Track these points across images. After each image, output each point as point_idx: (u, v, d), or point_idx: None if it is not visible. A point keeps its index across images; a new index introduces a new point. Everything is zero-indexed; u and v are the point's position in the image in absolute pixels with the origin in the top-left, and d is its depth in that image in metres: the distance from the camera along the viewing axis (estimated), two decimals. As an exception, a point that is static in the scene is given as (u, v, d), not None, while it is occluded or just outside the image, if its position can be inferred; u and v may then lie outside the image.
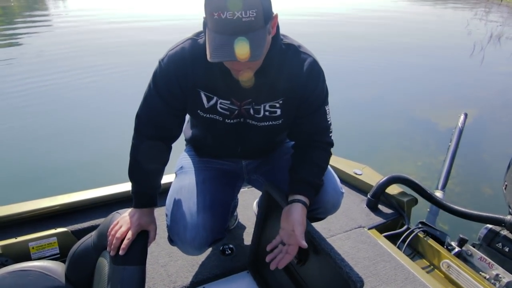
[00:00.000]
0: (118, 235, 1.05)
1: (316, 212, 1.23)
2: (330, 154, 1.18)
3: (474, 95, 5.31)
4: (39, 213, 1.59)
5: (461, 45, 8.61)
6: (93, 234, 1.31)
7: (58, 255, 1.53)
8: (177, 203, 1.20)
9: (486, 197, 2.90)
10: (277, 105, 1.09)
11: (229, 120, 1.11)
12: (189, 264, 1.42)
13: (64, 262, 1.38)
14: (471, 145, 3.57)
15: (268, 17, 0.86)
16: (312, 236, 1.01)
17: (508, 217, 1.63)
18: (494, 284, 1.55)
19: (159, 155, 1.16)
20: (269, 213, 1.24)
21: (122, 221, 1.09)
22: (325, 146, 1.16)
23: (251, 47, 0.82)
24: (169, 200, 1.23)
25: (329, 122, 1.15)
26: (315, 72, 1.07)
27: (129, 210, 1.13)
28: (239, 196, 1.72)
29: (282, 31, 1.04)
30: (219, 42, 0.83)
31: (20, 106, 4.31)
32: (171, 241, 1.22)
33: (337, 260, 0.92)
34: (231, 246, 1.53)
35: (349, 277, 0.87)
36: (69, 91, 4.90)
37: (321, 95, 1.10)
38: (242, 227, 1.67)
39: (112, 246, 1.05)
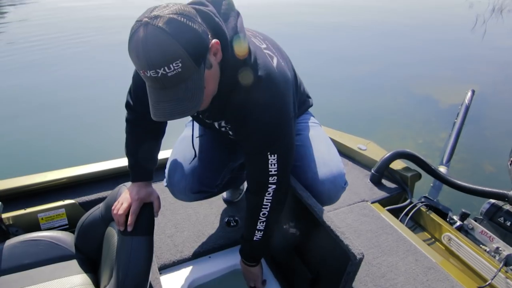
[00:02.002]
0: (120, 212, 1.07)
1: None
2: (275, 196, 1.09)
3: (476, 70, 5.23)
4: (47, 185, 1.61)
5: (462, 18, 8.41)
6: (101, 206, 1.33)
7: (67, 226, 1.56)
8: (177, 149, 1.31)
9: (487, 174, 2.92)
10: (228, 126, 1.08)
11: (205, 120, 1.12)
12: (195, 235, 1.44)
13: (73, 232, 1.41)
14: (473, 122, 3.55)
15: (199, 56, 0.78)
16: (313, 210, 1.02)
17: (511, 192, 1.64)
18: (494, 257, 1.57)
19: (151, 130, 1.16)
20: None
21: (123, 199, 1.11)
22: (264, 192, 1.08)
23: (185, 100, 0.79)
24: (174, 147, 1.34)
25: (269, 173, 1.04)
26: (266, 114, 0.96)
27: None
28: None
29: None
30: (155, 99, 0.81)
31: (24, 79, 4.31)
32: (166, 182, 1.30)
33: (337, 233, 0.94)
34: (236, 218, 1.55)
35: (349, 249, 0.89)
36: (75, 63, 4.87)
37: (265, 139, 1.00)
38: (247, 200, 1.69)
39: (119, 223, 1.07)
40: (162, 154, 1.72)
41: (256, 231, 1.14)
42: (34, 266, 1.29)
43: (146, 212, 1.09)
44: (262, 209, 1.10)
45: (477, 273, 1.56)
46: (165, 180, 1.30)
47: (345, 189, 1.23)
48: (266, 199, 1.08)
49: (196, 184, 1.25)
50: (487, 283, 1.45)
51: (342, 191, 1.22)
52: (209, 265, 1.34)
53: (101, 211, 1.31)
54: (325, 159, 1.21)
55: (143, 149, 1.14)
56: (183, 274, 1.29)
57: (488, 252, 1.61)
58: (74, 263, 1.33)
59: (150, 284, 1.19)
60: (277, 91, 0.97)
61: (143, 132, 1.13)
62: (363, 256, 0.86)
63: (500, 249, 1.59)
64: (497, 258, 1.56)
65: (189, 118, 1.41)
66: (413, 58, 5.63)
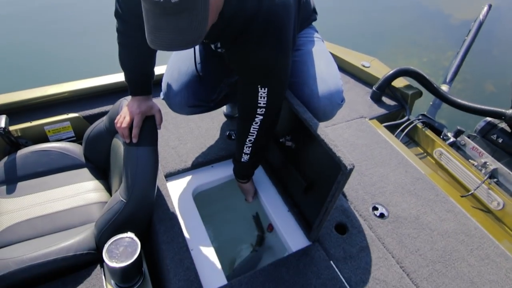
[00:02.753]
0: (124, 125, 1.10)
1: None
2: (261, 126, 1.12)
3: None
4: (49, 99, 1.62)
5: None
6: (104, 119, 1.37)
7: (74, 138, 1.62)
8: (172, 62, 1.32)
9: (487, 94, 2.91)
10: (223, 50, 1.04)
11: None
12: (198, 147, 1.51)
13: (80, 144, 1.47)
14: (481, 39, 3.39)
15: None
16: (308, 124, 1.05)
17: (510, 111, 1.66)
18: (480, 170, 1.67)
19: (144, 43, 1.10)
20: None
21: (125, 113, 1.13)
22: (251, 121, 1.11)
23: (188, 32, 0.73)
24: (169, 60, 1.34)
25: (258, 105, 1.06)
26: (263, 49, 0.94)
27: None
28: None
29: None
30: (153, 25, 0.73)
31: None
32: (163, 95, 1.33)
33: (330, 146, 0.98)
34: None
35: (340, 161, 0.94)
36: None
37: (258, 72, 1.00)
38: (247, 115, 1.72)
39: (124, 136, 1.11)
40: (160, 69, 1.71)
41: (243, 154, 1.22)
42: (48, 173, 1.38)
43: (149, 125, 1.13)
44: (249, 136, 1.15)
45: (462, 184, 1.67)
46: (162, 93, 1.32)
47: (341, 106, 1.23)
48: (253, 128, 1.13)
49: (192, 98, 1.28)
50: (469, 193, 1.57)
51: (338, 108, 1.23)
52: (211, 174, 1.43)
53: (105, 124, 1.35)
54: (323, 76, 1.20)
55: (137, 62, 1.12)
56: (187, 181, 1.39)
57: (475, 166, 1.70)
58: (85, 171, 1.42)
59: (158, 188, 1.29)
60: (278, 24, 0.94)
61: (135, 44, 1.07)
62: (353, 167, 0.92)
63: (487, 163, 1.68)
64: (483, 171, 1.66)
65: None
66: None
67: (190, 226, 1.24)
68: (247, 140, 1.17)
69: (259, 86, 1.02)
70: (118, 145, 1.23)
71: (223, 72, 1.32)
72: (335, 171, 0.97)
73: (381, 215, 1.33)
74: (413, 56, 3.22)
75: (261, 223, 1.46)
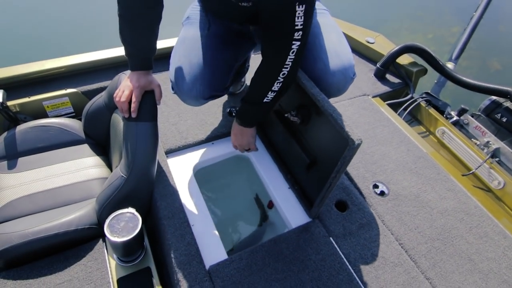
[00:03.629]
0: (123, 99, 1.08)
1: None
2: (298, 54, 1.01)
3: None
4: (47, 74, 1.59)
5: None
6: (103, 94, 1.35)
7: (73, 114, 1.61)
8: (179, 53, 1.23)
9: (492, 72, 2.85)
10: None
11: None
12: (198, 124, 1.49)
13: (80, 120, 1.46)
14: (488, 14, 3.30)
15: None
16: (316, 99, 1.03)
17: None
18: (483, 150, 1.66)
19: (146, 14, 1.05)
20: None
21: (123, 87, 1.10)
22: (287, 51, 1.01)
23: None
24: (174, 49, 1.26)
25: (296, 28, 0.95)
26: None
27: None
28: (250, 62, 1.70)
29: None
30: None
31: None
32: (172, 89, 1.27)
33: (338, 120, 0.96)
34: (237, 108, 1.58)
35: (349, 136, 0.92)
36: None
37: None
38: (248, 92, 1.69)
39: (123, 110, 1.09)
40: (161, 44, 1.67)
41: (270, 92, 1.09)
42: (48, 149, 1.37)
43: (148, 100, 1.11)
44: (283, 69, 1.04)
45: (463, 163, 1.66)
46: (171, 86, 1.25)
47: (353, 80, 1.21)
48: (289, 58, 1.02)
49: (207, 90, 1.21)
50: (470, 172, 1.57)
51: (351, 82, 1.21)
52: (212, 151, 1.42)
53: (104, 99, 1.33)
54: (336, 49, 1.17)
55: (138, 36, 1.07)
56: (188, 157, 1.38)
57: (478, 145, 1.68)
58: (85, 147, 1.41)
59: (159, 164, 1.29)
60: None
61: (136, 16, 1.03)
62: (361, 142, 0.91)
63: (490, 142, 1.66)
64: (485, 150, 1.65)
65: (186, 15, 1.32)
66: None
67: (191, 202, 1.24)
68: (280, 75, 1.05)
69: (296, 4, 0.93)
70: (118, 120, 1.22)
71: (233, 57, 1.28)
72: (341, 147, 0.96)
73: (382, 193, 1.33)
74: (418, 32, 3.14)
75: (262, 203, 1.47)
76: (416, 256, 1.16)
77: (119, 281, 1.05)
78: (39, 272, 1.04)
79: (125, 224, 1.03)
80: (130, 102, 1.08)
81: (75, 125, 1.44)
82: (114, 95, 1.11)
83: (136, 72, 1.10)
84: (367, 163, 1.44)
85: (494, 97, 1.78)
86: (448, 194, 1.36)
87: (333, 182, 1.03)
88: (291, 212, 1.25)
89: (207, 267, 1.06)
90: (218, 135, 1.46)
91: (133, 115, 1.08)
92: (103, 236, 1.15)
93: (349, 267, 1.10)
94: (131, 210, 1.06)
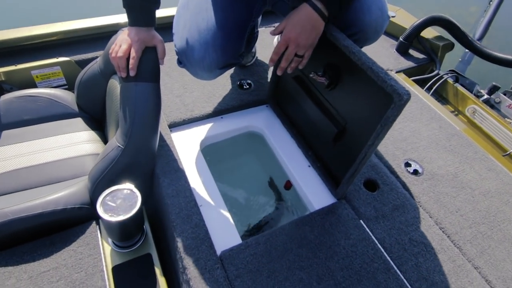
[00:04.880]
0: (120, 54, 0.91)
1: (353, 39, 1.05)
2: None
3: None
4: (38, 41, 1.43)
5: None
6: (99, 59, 1.18)
7: (66, 86, 1.44)
8: (184, 18, 1.05)
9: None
10: None
11: None
12: (205, 96, 1.33)
13: (73, 92, 1.30)
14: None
15: None
16: (350, 51, 0.87)
17: None
18: (518, 129, 1.50)
19: None
20: None
21: (121, 41, 0.93)
22: None
23: None
24: (176, 15, 1.09)
25: None
26: None
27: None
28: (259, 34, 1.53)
29: None
30: None
31: None
32: (180, 62, 1.10)
33: (381, 73, 0.80)
34: (249, 81, 1.42)
35: (395, 89, 0.76)
36: None
37: None
38: (260, 65, 1.53)
39: (120, 68, 0.93)
40: (160, 12, 1.50)
41: None
42: (35, 122, 1.21)
43: (150, 57, 0.94)
44: None
45: (498, 144, 1.50)
46: (177, 60, 1.09)
47: (389, 20, 1.08)
48: None
49: (222, 58, 1.03)
50: (508, 152, 1.40)
51: (388, 22, 1.07)
52: (221, 125, 1.26)
53: (99, 65, 1.17)
54: None
55: None
56: (194, 132, 1.22)
57: None
58: (78, 120, 1.24)
59: (162, 138, 1.12)
60: None
61: None
62: (410, 96, 0.74)
63: (526, 121, 1.50)
64: (521, 130, 1.49)
65: None
66: None
67: (198, 180, 1.08)
68: None
69: None
70: (115, 86, 1.06)
71: (247, 15, 1.10)
72: (382, 106, 0.80)
73: (415, 172, 1.17)
74: (434, 12, 2.97)
75: (276, 186, 1.31)
76: (461, 242, 1.00)
77: (115, 269, 0.89)
78: (20, 258, 0.88)
79: (122, 201, 0.87)
80: (128, 59, 0.92)
81: (67, 97, 1.28)
82: (110, 50, 0.95)
83: (136, 28, 0.93)
84: (396, 140, 1.27)
85: None
86: (490, 175, 1.20)
87: (368, 152, 0.87)
88: (313, 193, 1.09)
89: (218, 252, 0.89)
90: (228, 108, 1.30)
91: (132, 73, 0.91)
92: (96, 217, 0.98)
93: (385, 254, 0.94)
94: (129, 186, 0.90)
